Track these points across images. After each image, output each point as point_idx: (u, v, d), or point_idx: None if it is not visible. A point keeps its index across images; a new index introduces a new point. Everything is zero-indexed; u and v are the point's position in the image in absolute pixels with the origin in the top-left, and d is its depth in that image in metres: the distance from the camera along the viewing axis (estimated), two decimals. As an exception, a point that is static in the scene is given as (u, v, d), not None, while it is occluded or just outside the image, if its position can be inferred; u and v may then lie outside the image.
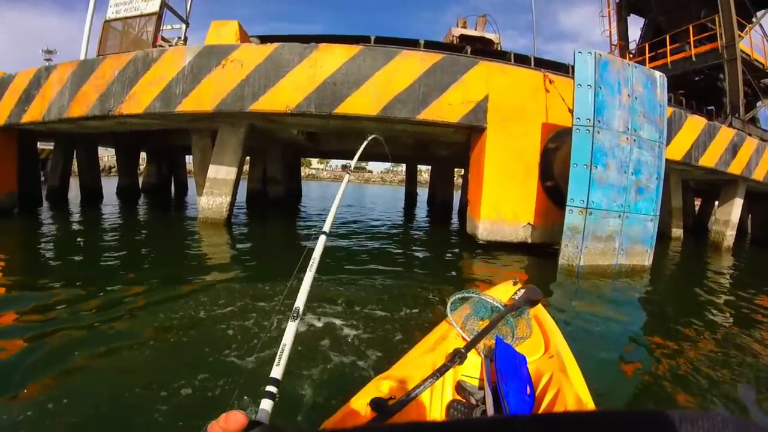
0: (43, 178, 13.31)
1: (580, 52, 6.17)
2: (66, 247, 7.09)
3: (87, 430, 1.93)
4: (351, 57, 7.20)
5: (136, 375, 2.43)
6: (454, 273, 5.92)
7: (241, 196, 14.46)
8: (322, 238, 1.37)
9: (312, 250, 1.35)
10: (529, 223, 7.31)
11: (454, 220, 13.84)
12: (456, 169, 19.38)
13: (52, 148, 14.56)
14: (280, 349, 0.88)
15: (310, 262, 1.17)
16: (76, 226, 9.63)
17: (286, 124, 8.73)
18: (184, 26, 11.52)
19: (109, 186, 16.25)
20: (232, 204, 8.74)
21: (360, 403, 1.30)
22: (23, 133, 10.05)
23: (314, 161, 56.95)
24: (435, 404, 1.45)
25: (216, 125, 8.68)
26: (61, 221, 9.97)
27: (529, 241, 7.29)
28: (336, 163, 57.30)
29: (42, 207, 11.34)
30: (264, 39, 8.78)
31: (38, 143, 12.16)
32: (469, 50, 8.96)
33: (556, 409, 1.30)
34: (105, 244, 7.39)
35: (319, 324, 3.24)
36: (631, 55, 18.82)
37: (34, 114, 9.06)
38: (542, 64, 9.11)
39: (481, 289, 2.16)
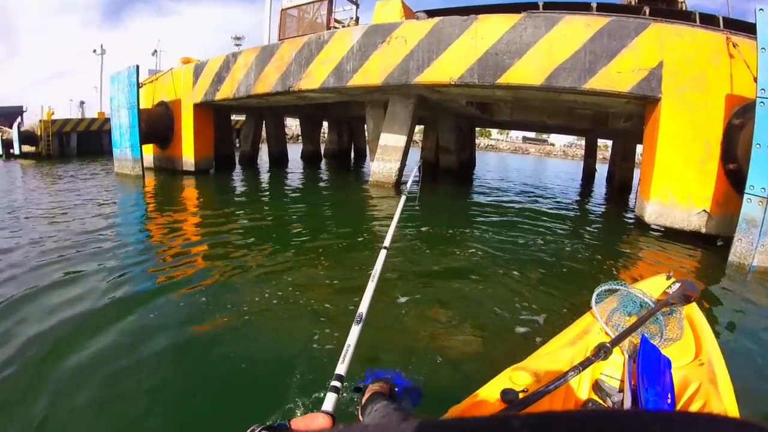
0: (237, 145, 16.61)
1: (761, 9, 5.27)
2: (250, 199, 9.04)
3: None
4: (512, 26, 7.43)
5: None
6: (606, 257, 5.55)
7: (415, 163, 15.91)
8: (383, 253, 1.42)
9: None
10: (704, 210, 6.56)
11: (633, 201, 13.08)
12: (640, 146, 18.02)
13: (244, 119, 17.68)
14: (344, 349, 0.93)
15: (372, 275, 1.23)
16: (263, 184, 11.86)
17: (451, 94, 9.32)
18: (354, 7, 12.88)
19: (295, 152, 19.23)
20: (401, 169, 9.83)
21: (490, 393, 1.31)
22: (218, 108, 12.41)
23: (494, 132, 57.39)
24: (569, 402, 1.42)
25: (386, 97, 9.72)
26: (249, 179, 12.35)
27: (703, 230, 6.54)
28: (516, 134, 57.06)
29: (235, 169, 14.04)
30: (431, 13, 9.48)
31: (232, 116, 15.20)
32: (647, 11, 8.26)
33: None
34: (286, 198, 9.18)
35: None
36: None
37: (225, 92, 11.09)
38: (733, 25, 8.09)
39: (628, 282, 2.13)
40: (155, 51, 21.65)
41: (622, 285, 1.96)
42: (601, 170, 19.61)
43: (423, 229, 6.14)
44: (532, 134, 52.30)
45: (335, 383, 0.84)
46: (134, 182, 10.72)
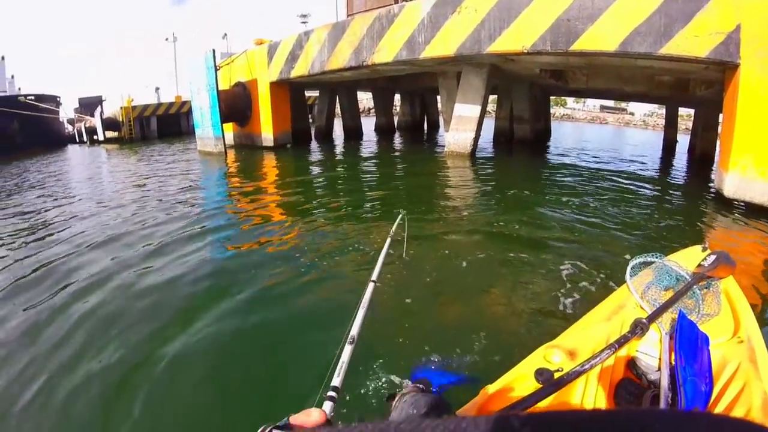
0: (311, 120, 18.14)
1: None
2: (324, 170, 10.15)
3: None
4: None
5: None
6: (674, 232, 5.37)
7: (489, 133, 16.35)
8: (371, 286, 1.47)
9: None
10: (786, 185, 6.34)
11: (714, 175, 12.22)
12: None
13: (317, 95, 19.00)
14: (339, 365, 0.98)
15: (361, 304, 1.29)
16: (338, 156, 13.06)
17: (524, 63, 9.75)
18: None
19: (368, 125, 20.54)
20: (475, 139, 10.46)
21: (524, 372, 1.34)
22: (293, 85, 13.58)
23: (570, 101, 56.00)
24: (604, 381, 1.41)
25: (459, 67, 10.32)
26: (324, 152, 13.58)
27: (784, 207, 6.30)
28: (593, 102, 55.12)
29: (311, 143, 15.41)
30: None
31: (306, 92, 16.66)
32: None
33: (737, 410, 1.19)
34: (361, 170, 10.15)
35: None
36: None
37: (300, 69, 12.10)
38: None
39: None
40: (225, 34, 23.25)
41: (657, 257, 1.94)
42: (684, 142, 18.84)
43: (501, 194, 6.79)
44: (610, 103, 50.32)
45: (331, 393, 0.89)
46: (217, 159, 12.11)
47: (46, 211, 6.44)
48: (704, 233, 5.50)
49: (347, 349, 1.07)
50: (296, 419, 0.66)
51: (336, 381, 0.94)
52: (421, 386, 1.51)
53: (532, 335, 2.66)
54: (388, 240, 2.12)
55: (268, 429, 0.61)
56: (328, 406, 0.86)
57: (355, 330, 1.15)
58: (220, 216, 5.80)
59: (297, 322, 3.02)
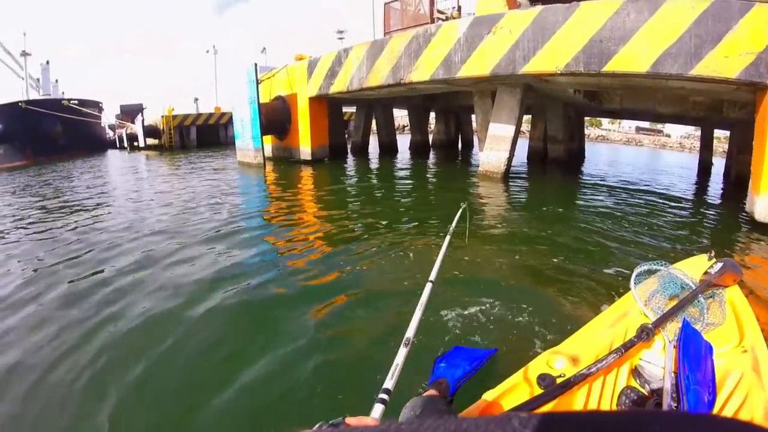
0: (347, 136, 18.99)
1: None
2: (359, 185, 10.81)
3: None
4: (614, 12, 7.92)
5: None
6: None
7: (523, 153, 16.74)
8: (428, 286, 1.49)
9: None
10: (817, 210, 6.35)
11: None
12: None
13: (354, 111, 19.85)
14: (393, 367, 1.03)
15: (419, 304, 1.32)
16: (372, 171, 13.65)
17: (558, 83, 10.11)
18: (456, -4, 13.85)
19: (403, 142, 21.15)
20: (510, 159, 10.81)
21: (527, 377, 1.38)
22: (331, 101, 14.30)
23: (605, 121, 56.05)
24: (607, 388, 1.43)
25: (494, 86, 10.79)
26: (359, 168, 14.22)
27: (817, 234, 6.26)
28: (629, 123, 54.86)
29: (347, 157, 16.13)
30: (534, 0, 10.33)
31: (343, 108, 17.36)
32: (755, -12, 8.34)
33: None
34: (395, 185, 10.74)
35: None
36: None
37: (339, 86, 12.78)
38: None
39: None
40: (264, 48, 24.44)
41: (662, 265, 1.96)
42: (720, 164, 18.47)
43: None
44: (645, 124, 50.00)
45: (383, 396, 0.94)
46: (256, 170, 12.91)
47: (93, 206, 7.43)
48: (731, 256, 5.39)
49: (402, 352, 1.09)
50: (351, 420, 0.73)
51: (389, 383, 0.98)
52: (443, 384, 1.73)
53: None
54: (447, 238, 2.06)
55: (326, 426, 0.66)
56: (378, 409, 0.91)
57: (410, 332, 1.17)
58: (261, 219, 6.80)
59: (355, 324, 3.26)
